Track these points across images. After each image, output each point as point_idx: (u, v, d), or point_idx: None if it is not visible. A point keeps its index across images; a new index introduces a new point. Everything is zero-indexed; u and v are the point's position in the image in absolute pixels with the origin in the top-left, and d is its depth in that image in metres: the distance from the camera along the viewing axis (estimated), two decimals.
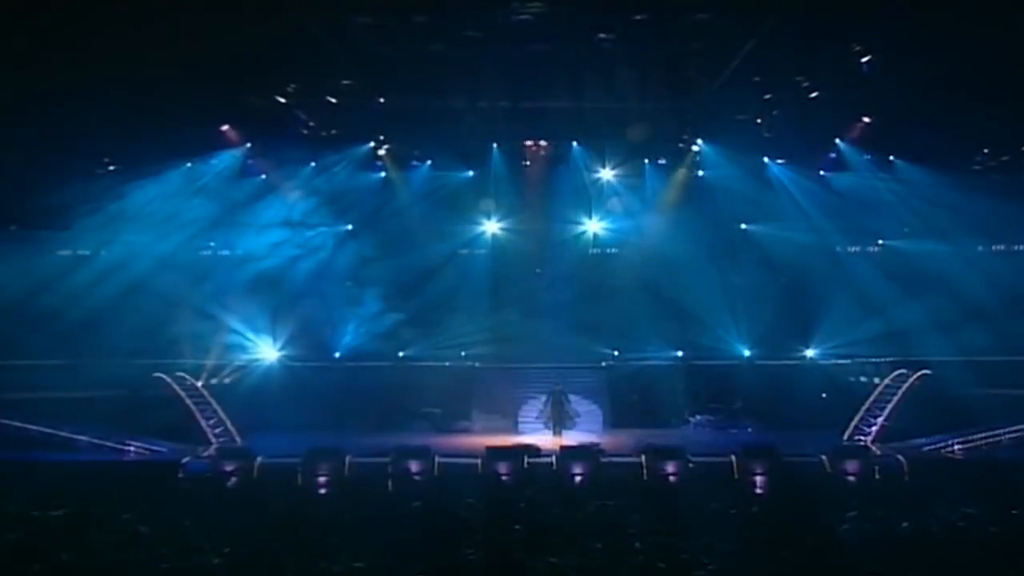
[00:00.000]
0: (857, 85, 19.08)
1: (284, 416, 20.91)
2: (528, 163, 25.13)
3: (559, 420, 21.50)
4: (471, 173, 25.35)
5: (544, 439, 20.26)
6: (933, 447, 18.52)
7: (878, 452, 18.24)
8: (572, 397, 22.25)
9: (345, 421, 21.48)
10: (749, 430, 21.98)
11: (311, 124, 21.90)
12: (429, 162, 25.11)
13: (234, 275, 24.46)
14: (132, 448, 18.55)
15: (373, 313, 24.73)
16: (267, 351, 24.16)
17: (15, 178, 20.81)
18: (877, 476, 16.03)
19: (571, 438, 20.44)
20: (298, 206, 24.75)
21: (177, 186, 23.23)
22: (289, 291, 24.34)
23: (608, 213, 26.00)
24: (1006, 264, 23.88)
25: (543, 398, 22.08)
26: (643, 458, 16.56)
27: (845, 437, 20.50)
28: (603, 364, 24.64)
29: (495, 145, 24.51)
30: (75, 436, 18.50)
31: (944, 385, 20.28)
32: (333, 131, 22.64)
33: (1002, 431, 18.38)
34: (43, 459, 16.84)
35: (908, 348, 22.06)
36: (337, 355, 24.69)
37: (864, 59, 17.62)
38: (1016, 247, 24.80)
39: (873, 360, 22.67)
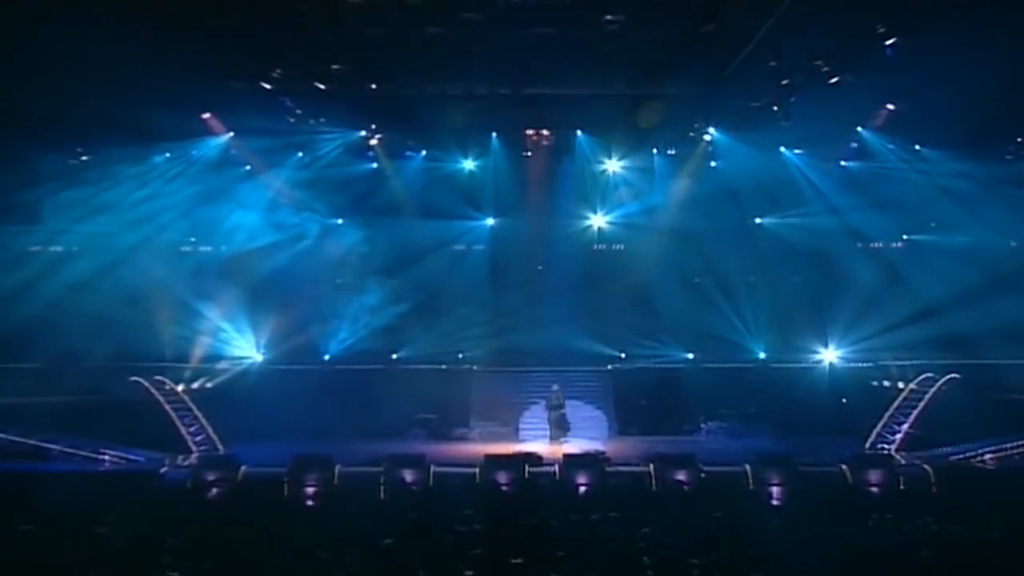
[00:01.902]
0: (881, 70, 19.03)
1: (269, 422, 20.85)
2: (529, 153, 25.08)
3: (558, 425, 21.52)
4: (469, 164, 25.39)
5: (546, 447, 20.29)
6: (962, 456, 18.50)
7: (902, 461, 18.23)
8: (574, 403, 22.25)
9: (334, 428, 21.41)
10: (764, 437, 21.98)
11: (298, 112, 21.84)
12: (424, 152, 25.14)
13: (216, 270, 24.47)
14: (107, 457, 18.52)
15: (366, 307, 24.74)
16: (251, 353, 24.19)
17: None
18: (902, 487, 16.04)
19: (575, 445, 20.45)
20: (283, 197, 24.77)
21: (155, 176, 23.24)
22: (275, 288, 24.34)
23: (614, 206, 26.01)
24: None
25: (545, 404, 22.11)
26: (651, 467, 16.60)
27: (867, 445, 20.50)
28: (609, 367, 24.69)
29: (494, 134, 24.51)
30: (45, 444, 18.48)
31: (976, 389, 20.28)
32: (322, 119, 22.62)
33: None
34: (11, 469, 16.83)
35: (932, 351, 22.06)
36: (326, 357, 24.73)
37: (888, 42, 17.55)
38: None
39: (898, 363, 22.65)
